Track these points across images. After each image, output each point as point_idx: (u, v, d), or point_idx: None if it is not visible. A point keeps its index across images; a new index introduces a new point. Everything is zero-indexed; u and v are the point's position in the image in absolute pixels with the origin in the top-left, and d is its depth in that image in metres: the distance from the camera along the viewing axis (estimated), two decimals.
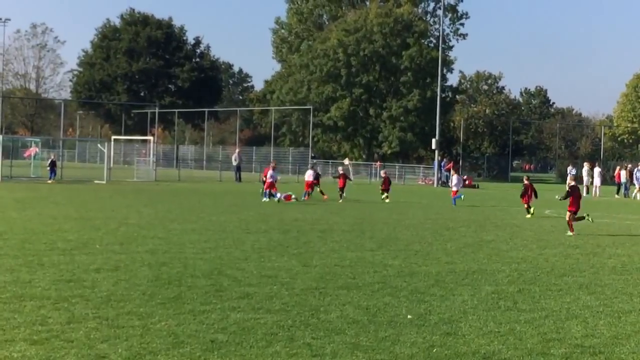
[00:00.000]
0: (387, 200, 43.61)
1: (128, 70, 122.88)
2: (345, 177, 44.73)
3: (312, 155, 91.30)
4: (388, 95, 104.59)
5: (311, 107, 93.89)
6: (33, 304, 12.03)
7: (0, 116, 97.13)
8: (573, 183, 27.75)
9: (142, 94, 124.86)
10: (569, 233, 26.72)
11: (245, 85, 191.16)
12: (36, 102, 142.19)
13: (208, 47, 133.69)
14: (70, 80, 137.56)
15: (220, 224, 26.30)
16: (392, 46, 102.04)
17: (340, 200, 41.85)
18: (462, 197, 40.94)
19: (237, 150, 75.61)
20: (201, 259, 17.58)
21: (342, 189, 43.72)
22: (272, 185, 40.91)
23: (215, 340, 10.30)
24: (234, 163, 67.70)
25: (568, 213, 27.33)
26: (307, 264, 17.42)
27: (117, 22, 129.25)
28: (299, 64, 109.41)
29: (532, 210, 34.78)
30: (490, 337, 11.13)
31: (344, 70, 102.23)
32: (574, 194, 27.21)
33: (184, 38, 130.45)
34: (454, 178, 43.44)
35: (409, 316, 12.22)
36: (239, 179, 64.17)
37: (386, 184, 45.62)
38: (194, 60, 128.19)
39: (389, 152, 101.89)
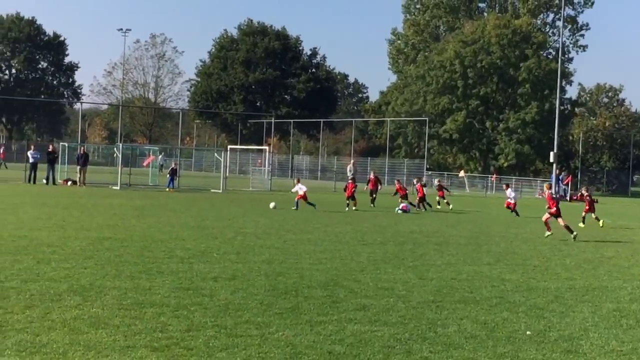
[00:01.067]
0: (450, 207, 45.72)
1: (245, 81, 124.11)
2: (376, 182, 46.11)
3: (427, 167, 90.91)
4: (505, 107, 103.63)
5: (427, 118, 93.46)
6: (153, 311, 12.22)
7: (120, 125, 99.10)
8: (548, 191, 30.67)
9: (258, 104, 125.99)
10: (547, 233, 28.87)
11: (360, 96, 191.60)
12: (154, 111, 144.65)
13: (324, 57, 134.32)
14: (188, 90, 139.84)
15: (336, 235, 26.36)
16: (510, 58, 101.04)
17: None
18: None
19: (352, 161, 75.89)
20: (317, 269, 17.64)
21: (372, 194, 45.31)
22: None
23: (332, 351, 10.31)
24: (349, 174, 67.83)
25: (547, 215, 29.34)
26: (423, 276, 17.34)
27: (234, 32, 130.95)
28: (415, 75, 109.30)
29: (595, 219, 37.24)
30: (613, 356, 10.91)
31: (461, 82, 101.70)
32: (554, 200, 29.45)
33: (300, 49, 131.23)
34: (508, 192, 44.78)
35: (527, 332, 12.05)
36: None
37: (441, 192, 47.72)
38: (310, 70, 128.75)
39: (505, 164, 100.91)
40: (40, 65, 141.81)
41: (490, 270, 18.93)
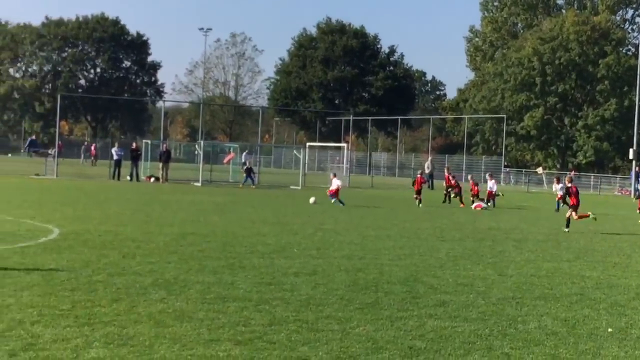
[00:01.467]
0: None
1: (323, 79, 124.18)
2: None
3: (505, 164, 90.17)
4: (584, 104, 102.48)
5: (504, 116, 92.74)
6: (236, 305, 12.29)
7: (201, 122, 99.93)
8: (569, 184, 30.58)
9: (336, 101, 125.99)
10: (571, 225, 29.11)
11: (438, 93, 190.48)
12: (235, 109, 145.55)
13: (402, 55, 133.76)
14: (268, 88, 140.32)
15: (414, 231, 26.27)
16: (588, 54, 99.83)
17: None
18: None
19: (429, 158, 75.51)
20: (397, 265, 17.59)
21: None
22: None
23: (413, 346, 10.26)
24: (427, 171, 67.60)
25: (570, 210, 29.60)
26: (502, 273, 17.19)
27: (313, 31, 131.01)
28: (493, 73, 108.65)
29: None
30: None
31: (539, 79, 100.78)
32: (571, 192, 29.69)
33: (378, 47, 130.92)
34: (558, 186, 43.00)
35: (609, 329, 11.87)
36: (432, 187, 63.75)
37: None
38: (388, 68, 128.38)
39: (583, 161, 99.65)
40: (123, 65, 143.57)
41: (570, 267, 18.71)
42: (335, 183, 39.41)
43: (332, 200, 38.47)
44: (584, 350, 10.57)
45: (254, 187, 54.03)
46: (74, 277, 14.15)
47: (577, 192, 29.94)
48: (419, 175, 43.00)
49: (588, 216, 30.20)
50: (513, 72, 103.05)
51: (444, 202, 43.93)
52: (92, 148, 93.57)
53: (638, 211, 37.88)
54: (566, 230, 28.69)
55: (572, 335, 11.40)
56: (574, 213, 29.40)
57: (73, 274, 14.48)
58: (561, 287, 15.61)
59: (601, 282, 16.53)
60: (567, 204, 30.69)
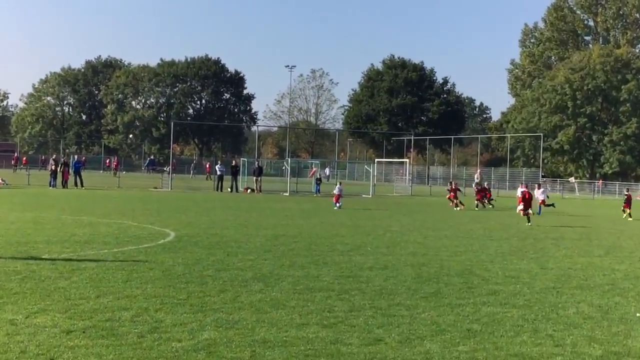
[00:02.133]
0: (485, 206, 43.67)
1: (388, 106, 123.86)
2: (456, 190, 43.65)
3: (542, 174, 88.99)
4: (609, 123, 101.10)
5: (541, 134, 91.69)
6: (321, 295, 12.26)
7: (287, 143, 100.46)
8: (523, 189, 32.60)
9: (399, 124, 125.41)
10: (528, 224, 29.96)
11: (484, 116, 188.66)
12: (315, 131, 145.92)
13: (454, 85, 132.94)
14: (342, 114, 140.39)
15: (467, 232, 26.01)
16: (612, 81, 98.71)
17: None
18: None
19: (478, 171, 74.88)
20: (454, 260, 17.42)
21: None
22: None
23: (470, 329, 10.15)
24: (476, 181, 66.88)
25: (519, 209, 31.75)
26: (544, 266, 16.92)
27: (379, 66, 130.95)
28: (531, 98, 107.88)
29: (628, 214, 37.48)
30: None
31: (570, 103, 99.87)
32: (524, 197, 31.38)
33: (434, 78, 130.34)
34: (540, 191, 41.23)
35: (637, 314, 11.61)
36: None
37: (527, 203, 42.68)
38: (442, 96, 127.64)
39: (609, 172, 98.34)
40: (224, 97, 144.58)
41: (601, 261, 18.35)
42: (338, 189, 39.66)
43: (337, 205, 38.31)
44: (616, 332, 10.36)
45: (315, 195, 53.81)
46: (188, 272, 14.27)
47: (531, 197, 31.91)
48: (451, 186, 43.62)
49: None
50: (548, 97, 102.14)
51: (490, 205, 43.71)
52: (207, 165, 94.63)
53: (623, 208, 37.74)
54: (529, 224, 29.94)
55: (605, 319, 11.17)
56: (530, 210, 31.21)
57: (187, 269, 14.60)
58: (594, 278, 15.31)
59: (629, 274, 16.19)
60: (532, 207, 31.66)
